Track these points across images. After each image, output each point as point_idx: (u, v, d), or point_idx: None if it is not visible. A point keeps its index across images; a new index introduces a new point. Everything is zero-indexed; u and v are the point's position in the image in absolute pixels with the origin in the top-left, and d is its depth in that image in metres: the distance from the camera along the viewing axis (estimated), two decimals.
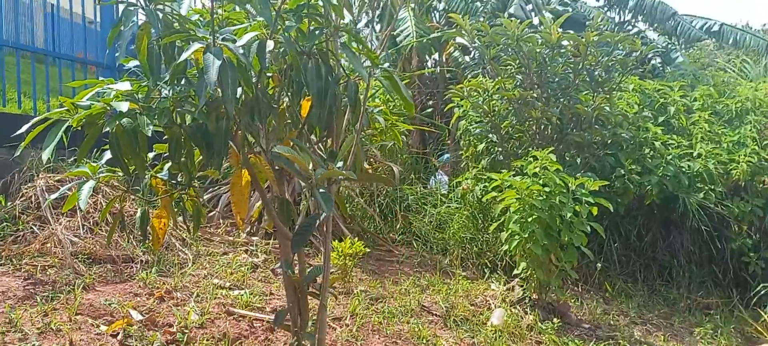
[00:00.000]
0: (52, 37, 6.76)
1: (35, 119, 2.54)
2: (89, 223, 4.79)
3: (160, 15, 2.44)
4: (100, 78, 2.92)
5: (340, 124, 3.00)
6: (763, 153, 6.41)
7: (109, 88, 2.47)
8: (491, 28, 6.03)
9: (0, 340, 3.04)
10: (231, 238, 5.62)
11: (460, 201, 6.59)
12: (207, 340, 3.44)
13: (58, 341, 3.13)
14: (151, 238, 3.03)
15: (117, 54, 2.81)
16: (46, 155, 2.35)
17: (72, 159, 5.22)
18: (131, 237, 4.76)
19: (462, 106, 6.63)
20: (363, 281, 5.10)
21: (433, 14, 9.96)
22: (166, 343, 3.32)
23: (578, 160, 6.24)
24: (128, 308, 3.61)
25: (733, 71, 9.52)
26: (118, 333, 3.29)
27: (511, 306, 4.95)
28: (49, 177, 5.01)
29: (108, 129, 2.40)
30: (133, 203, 4.93)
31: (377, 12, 9.40)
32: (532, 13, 8.47)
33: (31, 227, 4.60)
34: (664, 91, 7.11)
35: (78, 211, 4.78)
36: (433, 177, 7.91)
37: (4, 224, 4.59)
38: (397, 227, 6.61)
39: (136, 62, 2.65)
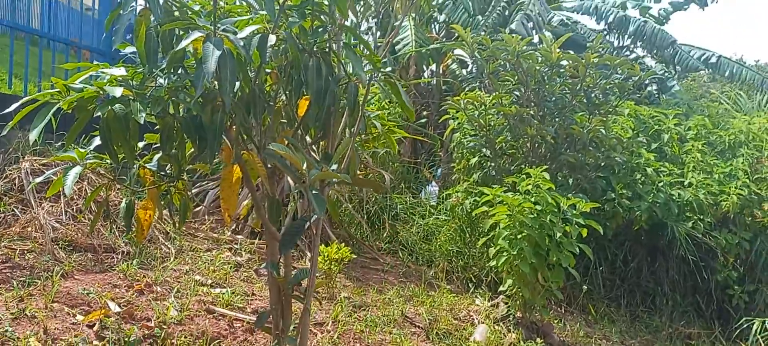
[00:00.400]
0: (49, 21, 6.66)
1: (24, 99, 2.47)
2: (72, 210, 4.69)
3: (161, 1, 2.38)
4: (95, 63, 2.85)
5: (337, 126, 2.94)
6: (754, 186, 6.42)
7: (103, 73, 2.40)
8: (492, 42, 6.01)
9: None
10: (215, 235, 5.54)
11: (448, 214, 6.55)
12: (185, 337, 3.37)
13: (32, 328, 3.04)
14: (135, 229, 2.96)
15: (113, 38, 2.73)
16: (33, 136, 2.28)
17: (60, 143, 5.13)
18: (114, 227, 4.67)
19: (457, 118, 6.60)
20: (347, 288, 5.03)
21: (433, 25, 9.94)
22: (143, 338, 3.24)
23: (570, 181, 6.22)
24: (106, 299, 3.53)
25: (727, 103, 9.57)
26: (95, 324, 3.21)
27: (494, 323, 4.90)
28: (35, 160, 4.91)
29: (99, 114, 2.33)
30: (119, 192, 4.84)
31: (377, 19, 9.36)
32: (533, 31, 8.46)
33: (13, 210, 4.50)
34: (659, 118, 7.12)
35: (62, 197, 4.69)
36: (424, 188, 7.86)
37: None
38: (384, 235, 6.56)
39: (133, 49, 2.59)
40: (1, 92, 5.72)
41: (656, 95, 9.26)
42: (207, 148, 2.47)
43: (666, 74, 9.64)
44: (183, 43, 2.20)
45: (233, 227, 5.82)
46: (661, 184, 6.28)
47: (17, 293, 3.40)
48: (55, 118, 2.68)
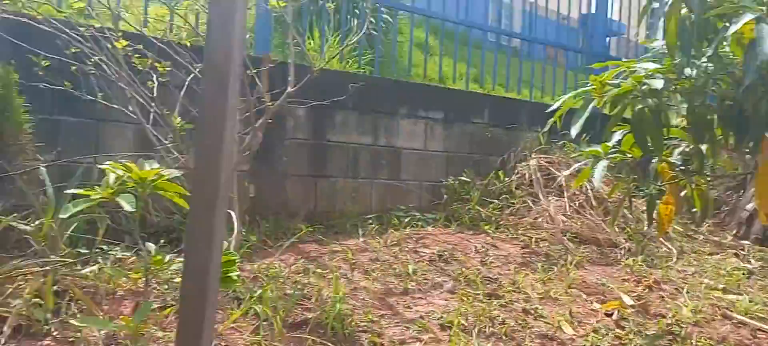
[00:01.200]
0: (529, 31, 7.22)
1: (560, 102, 2.73)
2: (574, 204, 5.00)
3: None
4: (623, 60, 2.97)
5: None
6: None
7: (640, 67, 2.47)
8: None
9: (508, 297, 3.41)
10: (715, 238, 5.16)
11: None
12: (704, 340, 3.20)
13: (558, 310, 3.33)
14: (656, 223, 2.97)
15: (647, 33, 2.80)
16: (574, 132, 2.50)
17: (561, 142, 5.54)
18: (614, 223, 4.78)
19: None
20: None
21: None
22: (661, 333, 3.22)
23: None
24: (619, 292, 3.63)
25: None
26: (612, 313, 3.33)
27: None
28: (541, 157, 5.41)
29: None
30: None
31: None
32: None
33: (525, 201, 5.03)
34: None
35: (565, 192, 5.04)
36: None
37: (503, 196, 5.14)
38: None
39: (658, 43, 2.61)
40: (511, 98, 6.38)
41: None
42: (750, 140, 2.30)
43: None
44: (732, 29, 2.09)
45: (735, 232, 5.33)
46: None
47: (539, 276, 3.78)
48: (560, 118, 2.90)
